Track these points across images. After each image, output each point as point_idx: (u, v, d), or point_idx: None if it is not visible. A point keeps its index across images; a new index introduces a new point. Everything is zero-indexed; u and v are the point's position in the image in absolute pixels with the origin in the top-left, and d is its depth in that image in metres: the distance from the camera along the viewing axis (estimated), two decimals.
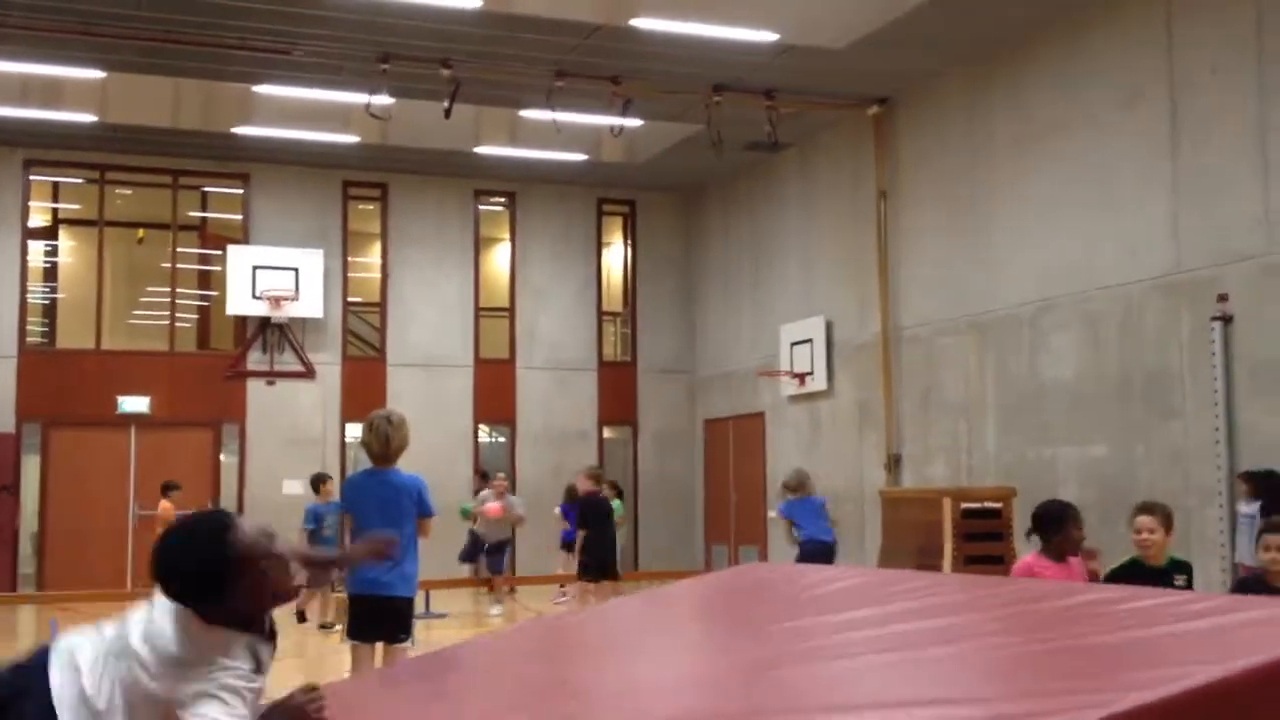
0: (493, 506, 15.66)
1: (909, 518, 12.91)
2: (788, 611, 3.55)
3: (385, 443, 7.07)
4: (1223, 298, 11.63)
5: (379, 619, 6.96)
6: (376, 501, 6.94)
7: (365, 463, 7.33)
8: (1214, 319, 11.64)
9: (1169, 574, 6.15)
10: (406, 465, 7.21)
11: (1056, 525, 6.28)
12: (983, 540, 11.66)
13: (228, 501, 18.49)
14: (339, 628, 12.11)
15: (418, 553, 7.04)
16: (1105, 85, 13.14)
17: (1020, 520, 12.53)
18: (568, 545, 17.35)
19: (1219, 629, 2.47)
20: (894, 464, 16.28)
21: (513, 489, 20.05)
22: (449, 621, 14.71)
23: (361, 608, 6.98)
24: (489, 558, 16.41)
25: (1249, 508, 10.77)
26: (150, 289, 20.83)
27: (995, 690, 2.49)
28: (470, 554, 16.97)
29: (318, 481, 14.90)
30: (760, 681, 2.90)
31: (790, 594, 3.71)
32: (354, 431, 19.39)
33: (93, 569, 17.61)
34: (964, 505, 11.83)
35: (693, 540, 21.37)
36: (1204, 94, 12.01)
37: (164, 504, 15.67)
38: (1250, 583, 6.35)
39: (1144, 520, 6.26)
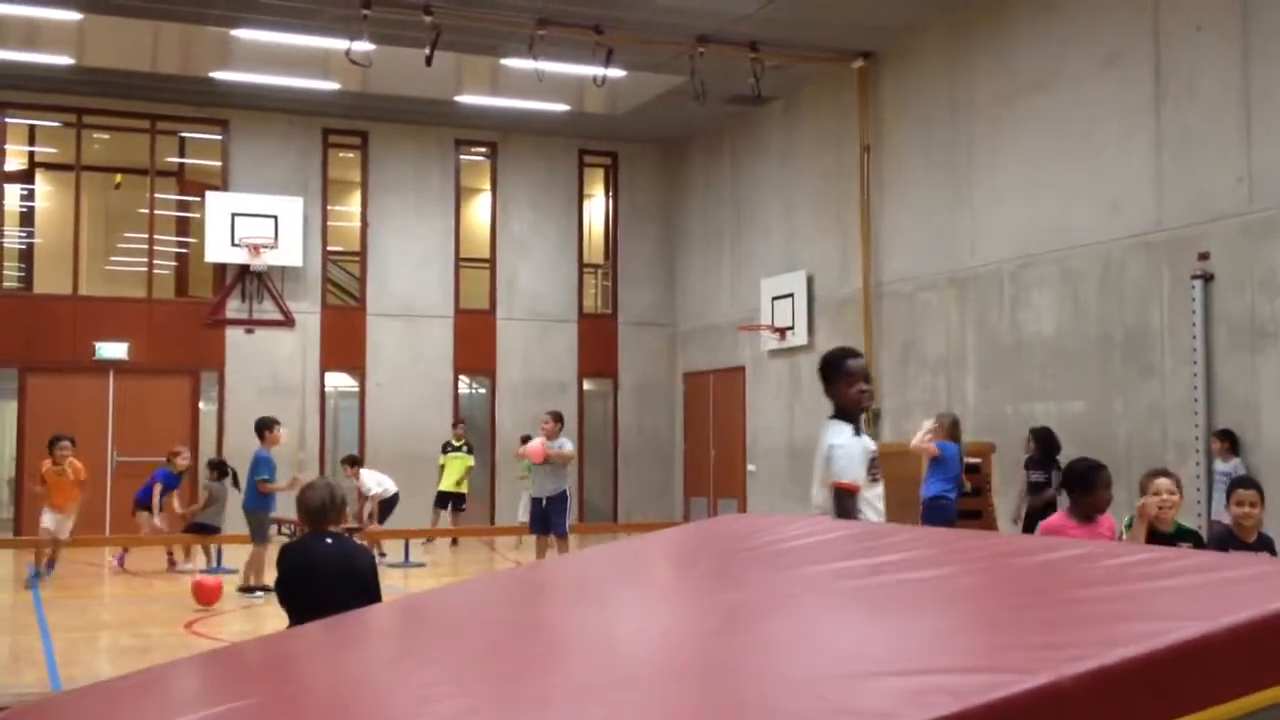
0: (534, 447, 13.47)
1: (887, 472, 12.82)
2: (765, 562, 3.54)
3: None
4: (1204, 256, 11.64)
5: None
6: None
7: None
8: (1194, 277, 11.65)
9: (1175, 541, 6.07)
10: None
11: (1084, 486, 6.12)
12: (961, 495, 11.70)
13: (206, 448, 18.40)
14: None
15: None
16: (1089, 41, 13.07)
17: (1000, 474, 12.62)
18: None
19: (1204, 586, 2.47)
20: (873, 419, 16.30)
21: (490, 441, 20.04)
22: (427, 571, 14.74)
23: None
24: (552, 517, 13.33)
25: (1227, 465, 10.84)
26: (128, 235, 20.67)
27: (974, 644, 2.48)
28: (538, 520, 13.57)
29: (264, 426, 12.95)
30: (734, 630, 2.90)
31: (768, 545, 3.70)
32: (333, 381, 19.32)
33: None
34: None
35: (672, 493, 21.42)
36: (1188, 52, 11.96)
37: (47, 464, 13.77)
38: (1222, 536, 6.36)
39: (1165, 483, 6.17)
